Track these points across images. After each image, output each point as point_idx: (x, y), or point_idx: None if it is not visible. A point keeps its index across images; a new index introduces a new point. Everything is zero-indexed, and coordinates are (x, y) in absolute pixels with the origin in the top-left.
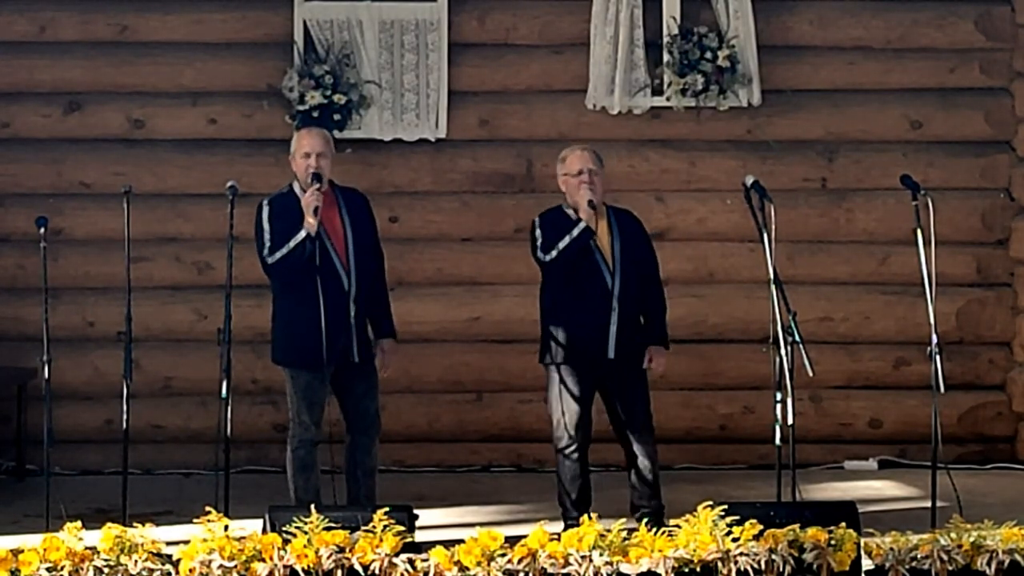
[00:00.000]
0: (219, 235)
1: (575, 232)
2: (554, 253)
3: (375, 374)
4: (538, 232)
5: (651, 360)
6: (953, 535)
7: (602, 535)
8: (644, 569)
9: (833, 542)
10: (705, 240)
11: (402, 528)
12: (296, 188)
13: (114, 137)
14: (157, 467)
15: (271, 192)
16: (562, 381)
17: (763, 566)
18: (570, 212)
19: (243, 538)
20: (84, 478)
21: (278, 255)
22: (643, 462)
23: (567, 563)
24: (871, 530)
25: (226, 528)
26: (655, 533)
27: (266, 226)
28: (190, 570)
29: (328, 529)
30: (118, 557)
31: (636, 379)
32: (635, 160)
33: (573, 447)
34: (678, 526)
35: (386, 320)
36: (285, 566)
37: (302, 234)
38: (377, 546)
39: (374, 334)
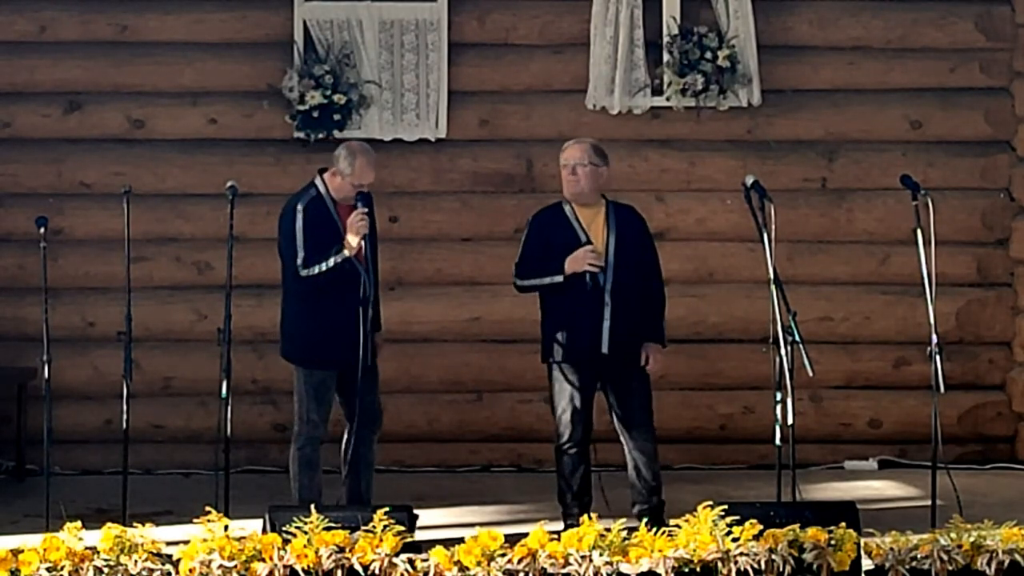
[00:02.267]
0: (219, 235)
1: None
2: (527, 283)
3: (376, 369)
4: (521, 247)
5: (647, 358)
6: (953, 535)
7: (602, 535)
8: (644, 569)
9: (833, 542)
10: (705, 240)
11: (402, 528)
12: (323, 190)
13: (114, 137)
14: (157, 467)
15: (270, 192)
16: (562, 378)
17: (763, 566)
18: (567, 208)
19: (243, 538)
20: (84, 478)
21: (315, 271)
22: (640, 459)
23: (567, 563)
24: (871, 530)
25: (226, 528)
26: (655, 532)
27: (299, 235)
28: (190, 570)
29: (328, 529)
30: (118, 557)
31: (634, 376)
32: (635, 160)
33: (572, 443)
34: (678, 526)
35: (378, 315)
36: (285, 566)
37: (342, 256)
38: (377, 546)
39: None
